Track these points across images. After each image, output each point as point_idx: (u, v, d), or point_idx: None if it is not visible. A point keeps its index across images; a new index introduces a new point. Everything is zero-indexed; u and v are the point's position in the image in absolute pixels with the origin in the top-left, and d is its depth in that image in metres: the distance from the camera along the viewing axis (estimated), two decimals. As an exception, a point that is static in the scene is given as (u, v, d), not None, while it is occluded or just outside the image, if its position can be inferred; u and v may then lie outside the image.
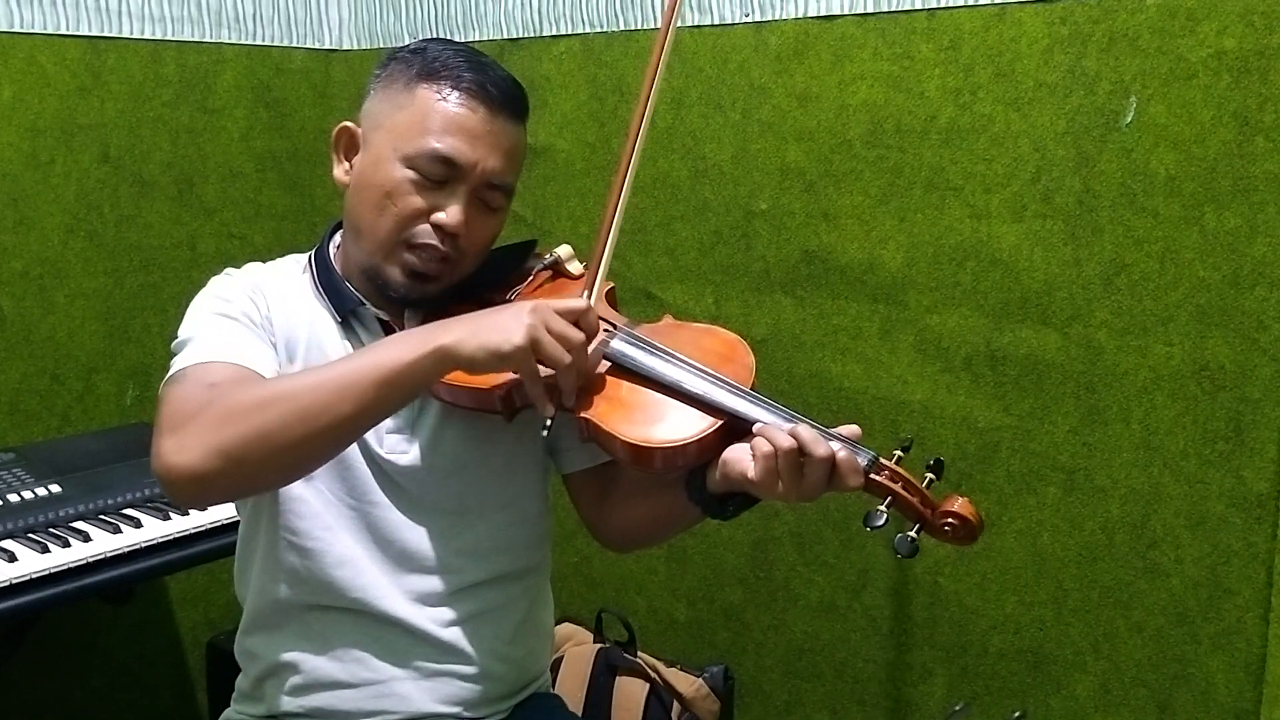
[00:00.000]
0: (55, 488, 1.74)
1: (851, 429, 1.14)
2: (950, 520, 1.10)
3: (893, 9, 1.68)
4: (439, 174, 1.24)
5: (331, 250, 1.35)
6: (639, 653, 1.92)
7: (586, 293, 1.21)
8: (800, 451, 1.09)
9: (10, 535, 1.62)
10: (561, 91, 2.07)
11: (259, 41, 2.31)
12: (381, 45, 2.36)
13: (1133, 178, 1.51)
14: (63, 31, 2.02)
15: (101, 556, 1.59)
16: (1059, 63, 1.55)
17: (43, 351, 2.06)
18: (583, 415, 1.18)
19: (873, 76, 1.71)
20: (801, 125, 1.79)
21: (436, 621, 1.29)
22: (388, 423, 1.28)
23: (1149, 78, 1.48)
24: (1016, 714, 1.66)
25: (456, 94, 1.24)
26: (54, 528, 1.66)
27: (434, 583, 1.29)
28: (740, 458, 1.13)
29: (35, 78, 2.00)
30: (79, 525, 1.67)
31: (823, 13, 1.75)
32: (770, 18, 1.81)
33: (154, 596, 2.26)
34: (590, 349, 1.17)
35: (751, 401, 1.16)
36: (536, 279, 1.37)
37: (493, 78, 1.27)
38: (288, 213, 2.40)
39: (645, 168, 1.28)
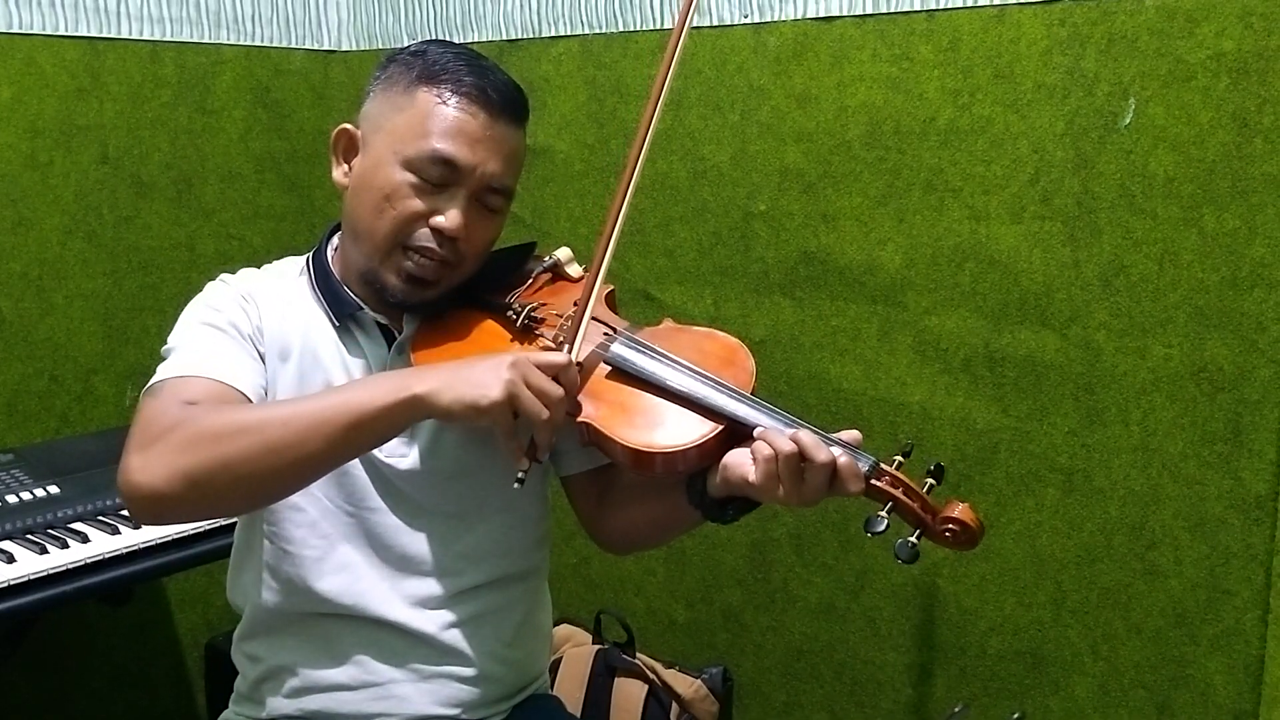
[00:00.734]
0: (54, 489, 1.74)
1: (852, 434, 1.14)
2: (951, 526, 1.10)
3: (891, 10, 1.68)
4: (439, 177, 1.23)
5: (329, 253, 1.34)
6: (638, 654, 1.92)
7: (568, 346, 1.19)
8: (801, 457, 1.09)
9: (9, 536, 1.62)
10: (560, 93, 2.07)
11: (258, 42, 2.30)
12: (380, 46, 2.36)
13: (1131, 179, 1.51)
14: (61, 32, 2.02)
15: (100, 558, 1.59)
16: (1058, 64, 1.55)
17: (41, 352, 2.06)
18: (583, 419, 1.18)
19: (871, 78, 1.71)
20: (800, 126, 1.79)
21: (435, 624, 1.29)
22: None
23: (1148, 79, 1.48)
24: (1015, 715, 1.66)
25: (456, 97, 1.24)
26: (52, 529, 1.66)
27: (433, 586, 1.29)
28: (741, 462, 1.13)
29: (34, 79, 2.00)
30: (77, 526, 1.67)
31: (821, 14, 1.75)
32: (769, 19, 1.81)
33: (152, 598, 2.26)
34: (592, 345, 1.16)
35: (752, 406, 1.16)
36: (536, 281, 1.36)
37: (493, 81, 1.26)
38: (286, 214, 2.39)
39: (644, 169, 1.28)
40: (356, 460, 1.27)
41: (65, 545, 1.60)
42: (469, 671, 1.31)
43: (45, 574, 1.54)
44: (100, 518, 1.70)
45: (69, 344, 2.09)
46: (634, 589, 2.12)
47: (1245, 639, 1.48)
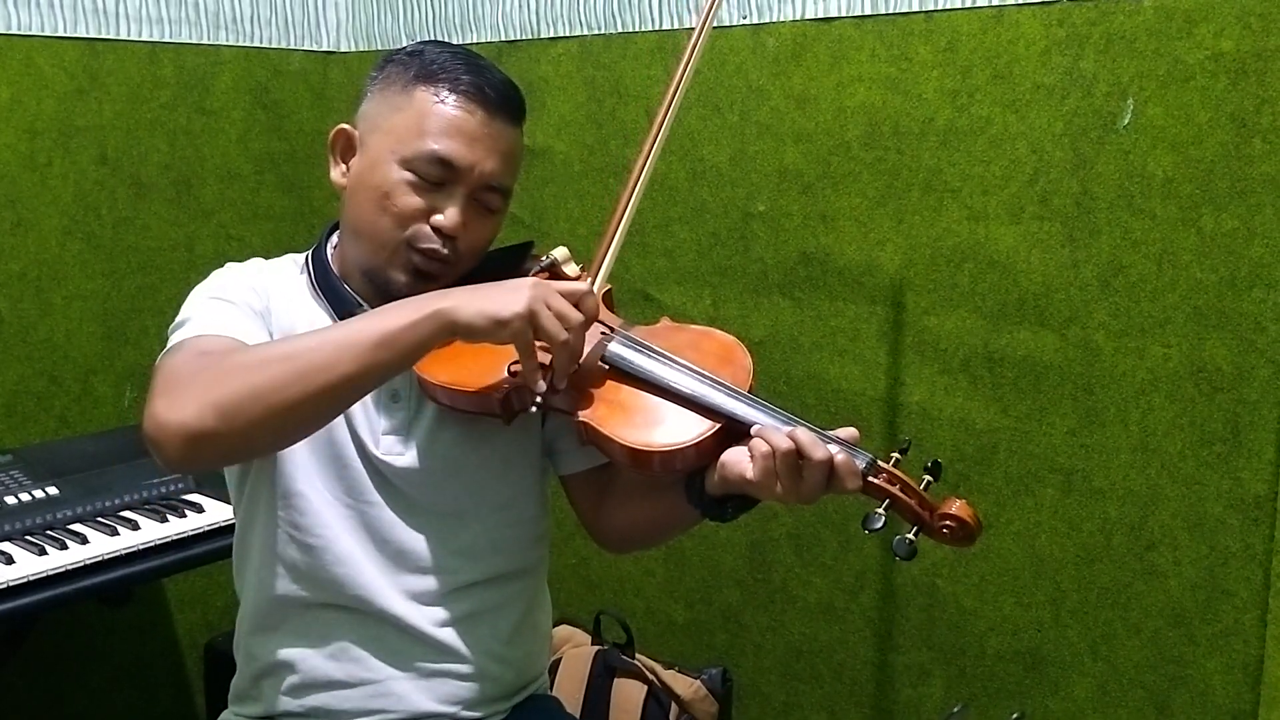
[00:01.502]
0: (53, 490, 1.74)
1: (850, 432, 1.14)
2: (948, 522, 1.10)
3: (890, 11, 1.68)
4: (437, 176, 1.24)
5: (329, 251, 1.35)
6: (637, 655, 1.92)
7: (590, 278, 1.22)
8: (799, 454, 1.09)
9: (8, 537, 1.62)
10: (559, 93, 2.07)
11: (256, 43, 2.30)
12: (379, 47, 2.36)
13: (1130, 179, 1.51)
14: (60, 33, 2.02)
15: (99, 559, 1.59)
16: (1056, 65, 1.55)
17: (40, 353, 2.06)
18: (581, 419, 1.18)
19: (870, 78, 1.71)
20: (799, 127, 1.79)
21: (433, 621, 1.30)
22: (383, 423, 1.29)
23: (1146, 80, 1.48)
24: (1015, 715, 1.66)
25: (454, 96, 1.24)
26: (51, 530, 1.66)
27: (430, 582, 1.30)
28: (739, 459, 1.13)
29: (33, 79, 2.00)
30: (76, 527, 1.67)
31: (820, 15, 1.75)
32: (768, 20, 1.81)
33: (152, 599, 2.26)
34: (587, 350, 1.17)
35: (750, 405, 1.16)
36: None
37: (490, 80, 1.27)
38: (285, 214, 2.39)
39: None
40: (354, 453, 1.27)
41: (64, 546, 1.60)
42: (467, 669, 1.31)
43: (44, 575, 1.54)
44: (99, 519, 1.70)
45: (68, 345, 2.09)
46: (633, 590, 2.12)
47: (1244, 639, 1.48)
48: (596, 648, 1.93)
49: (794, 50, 1.78)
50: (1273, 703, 1.45)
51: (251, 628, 1.34)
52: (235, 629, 1.38)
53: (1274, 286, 1.42)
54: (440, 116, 1.24)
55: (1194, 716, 1.54)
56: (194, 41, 2.20)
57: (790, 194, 1.82)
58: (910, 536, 1.10)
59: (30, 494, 1.72)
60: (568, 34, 2.05)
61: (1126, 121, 1.51)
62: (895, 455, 1.15)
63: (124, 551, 1.62)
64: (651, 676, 1.88)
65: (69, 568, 1.56)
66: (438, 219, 1.24)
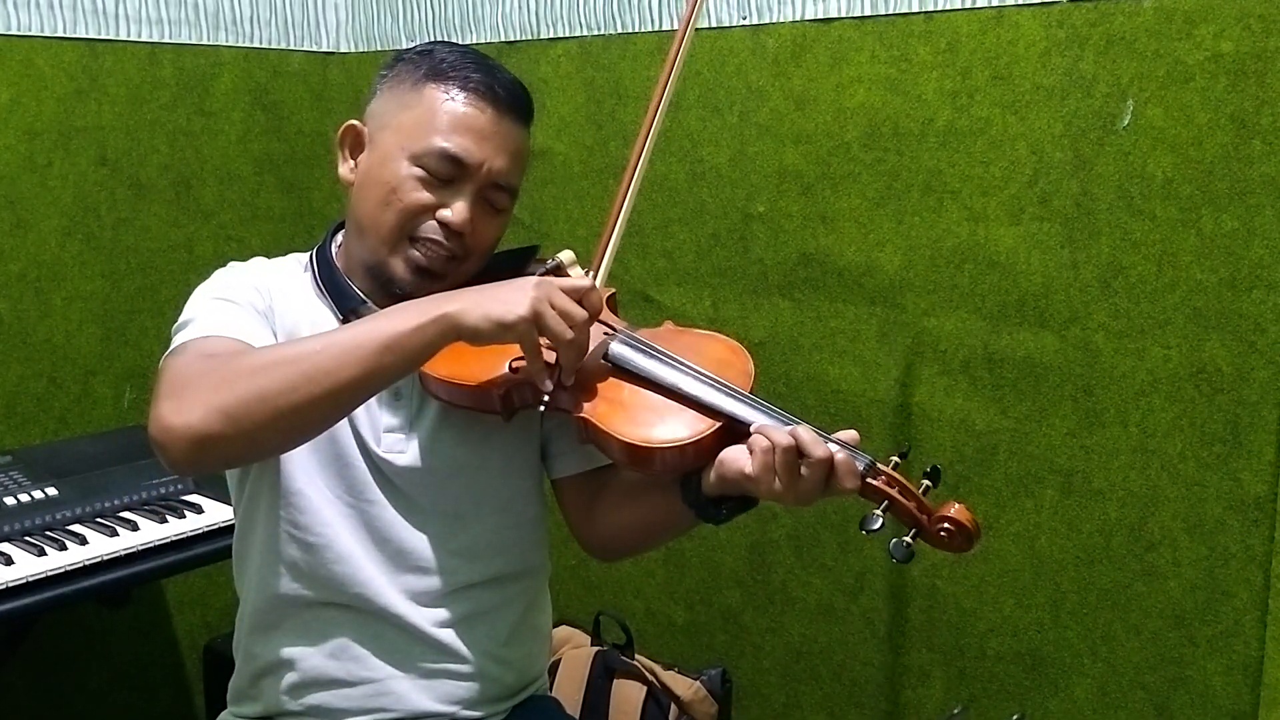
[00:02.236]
0: (52, 490, 1.74)
1: (850, 434, 1.14)
2: (946, 526, 1.10)
3: (890, 12, 1.68)
4: (446, 172, 1.25)
5: (333, 249, 1.35)
6: (636, 655, 1.92)
7: (592, 274, 1.23)
8: (799, 452, 1.09)
9: (7, 538, 1.62)
10: (559, 94, 2.07)
11: (256, 44, 2.30)
12: (379, 48, 2.36)
13: (1130, 180, 1.51)
14: (60, 34, 2.02)
15: (98, 559, 1.59)
16: (1056, 65, 1.55)
17: (40, 354, 2.06)
18: (581, 416, 1.18)
19: (870, 79, 1.71)
20: (799, 128, 1.79)
21: (432, 621, 1.30)
22: (385, 421, 1.29)
23: (1146, 80, 1.48)
24: (1015, 716, 1.66)
25: (464, 94, 1.25)
26: (50, 531, 1.66)
27: (430, 582, 1.30)
28: (737, 457, 1.13)
29: (32, 80, 2.00)
30: (75, 528, 1.67)
31: (820, 15, 1.75)
32: (767, 20, 1.81)
33: (151, 600, 2.26)
34: (592, 345, 1.17)
35: (750, 405, 1.16)
36: None
37: (500, 79, 1.28)
38: (285, 215, 2.39)
39: (644, 168, 1.29)
40: (356, 452, 1.28)
41: (63, 547, 1.60)
42: (466, 669, 1.31)
43: (43, 576, 1.53)
44: (98, 519, 1.70)
45: (67, 345, 2.09)
46: (633, 591, 2.12)
47: (1244, 640, 1.48)
48: (596, 649, 1.93)
49: (794, 51, 1.78)
50: (1273, 703, 1.45)
51: (251, 627, 1.34)
52: (235, 629, 1.38)
53: (1274, 287, 1.42)
54: (450, 113, 1.25)
55: (1194, 717, 1.53)
56: (194, 42, 2.20)
57: (790, 195, 1.82)
58: (908, 539, 1.10)
59: (29, 495, 1.72)
60: (567, 35, 2.05)
61: (1126, 122, 1.51)
62: (895, 459, 1.15)
63: (123, 552, 1.62)
64: (651, 677, 1.88)
65: (68, 568, 1.56)
66: (444, 214, 1.25)
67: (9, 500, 1.70)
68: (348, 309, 1.30)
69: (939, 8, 1.64)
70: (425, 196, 1.25)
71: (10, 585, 1.50)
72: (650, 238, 1.98)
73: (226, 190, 2.29)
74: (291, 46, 2.36)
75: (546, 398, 1.17)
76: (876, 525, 1.09)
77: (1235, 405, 1.46)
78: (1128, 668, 1.59)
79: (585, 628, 2.00)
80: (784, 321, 1.85)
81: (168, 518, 1.72)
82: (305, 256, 1.37)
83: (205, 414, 1.06)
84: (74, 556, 1.58)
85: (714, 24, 1.86)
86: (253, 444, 1.11)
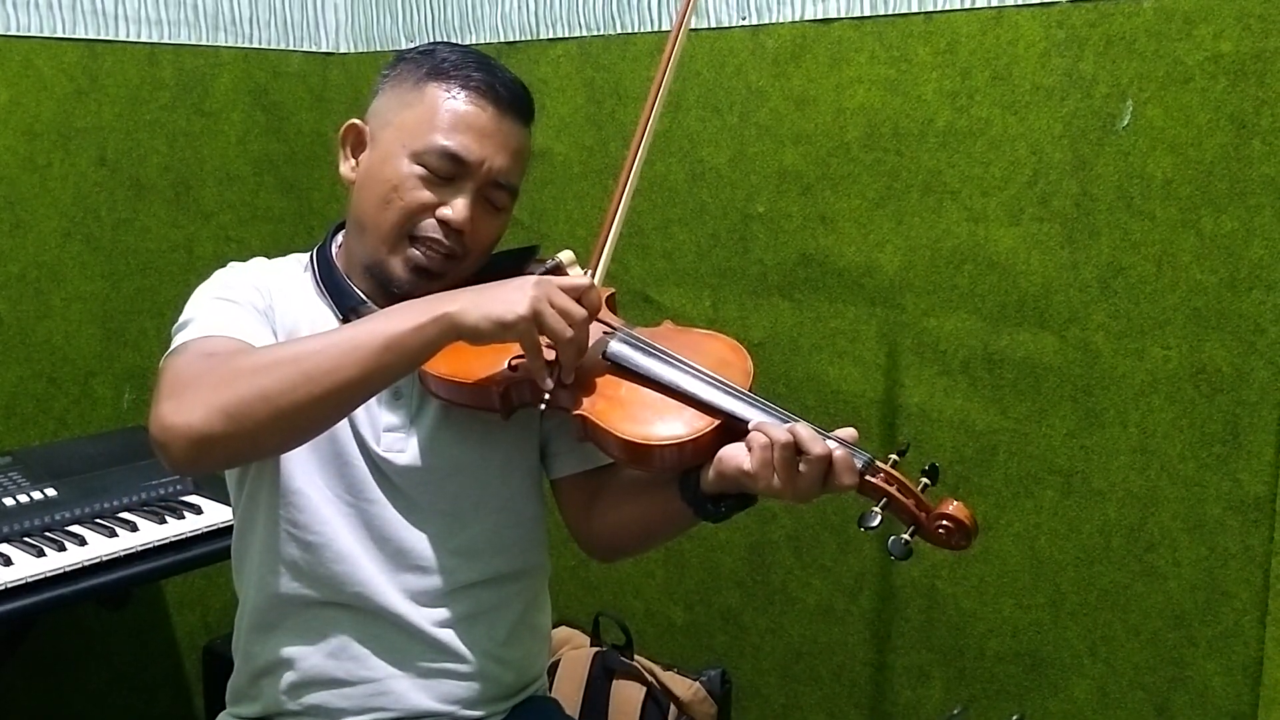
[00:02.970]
0: (51, 491, 1.74)
1: (849, 432, 1.14)
2: (945, 523, 1.10)
3: (889, 12, 1.68)
4: (447, 171, 1.25)
5: (333, 249, 1.36)
6: (636, 656, 1.92)
7: (590, 272, 1.23)
8: (797, 448, 1.09)
9: (6, 539, 1.62)
10: (558, 95, 2.07)
11: (256, 45, 2.31)
12: (378, 49, 2.36)
13: (1129, 181, 1.51)
14: (59, 35, 2.02)
15: (97, 560, 1.59)
16: (1056, 66, 1.55)
17: (39, 355, 2.06)
18: (580, 413, 1.18)
19: (870, 80, 1.71)
20: (799, 128, 1.79)
21: (431, 621, 1.30)
22: (385, 420, 1.29)
23: (1146, 81, 1.48)
24: (1014, 717, 1.66)
25: (466, 93, 1.26)
26: (50, 531, 1.66)
27: (429, 581, 1.30)
28: (736, 454, 1.13)
29: (32, 81, 2.00)
30: (75, 529, 1.67)
31: (819, 16, 1.75)
32: (767, 21, 1.81)
33: (150, 600, 2.25)
34: (591, 343, 1.17)
35: (749, 402, 1.16)
36: None
37: (502, 79, 1.29)
38: (285, 216, 2.39)
39: (643, 171, 1.30)
40: (356, 451, 1.28)
41: (63, 548, 1.60)
42: (465, 669, 1.31)
43: (43, 577, 1.54)
44: (98, 520, 1.70)
45: (67, 346, 2.09)
46: (632, 591, 2.11)
47: (1244, 640, 1.48)
48: (595, 649, 1.93)
49: (793, 51, 1.78)
50: (1272, 704, 1.45)
51: (250, 626, 1.34)
52: (234, 629, 1.38)
53: (1273, 288, 1.42)
54: (451, 112, 1.25)
55: (1193, 718, 1.53)
56: (193, 43, 2.20)
57: (790, 195, 1.82)
58: (906, 537, 1.10)
59: (29, 495, 1.72)
60: (566, 35, 2.05)
61: (1126, 123, 1.51)
62: (894, 456, 1.15)
63: (122, 553, 1.62)
64: (650, 678, 1.87)
65: (67, 569, 1.56)
66: (444, 212, 1.25)
67: (8, 501, 1.70)
68: (348, 308, 1.30)
69: (938, 8, 1.64)
70: (426, 195, 1.25)
71: (9, 586, 1.50)
72: (650, 238, 1.98)
73: (226, 191, 2.29)
74: (291, 47, 2.37)
75: (547, 396, 1.17)
76: (875, 522, 1.09)
77: (1235, 405, 1.46)
78: (1127, 668, 1.59)
79: (585, 628, 2.00)
80: (783, 322, 1.85)
81: (167, 518, 1.72)
82: (305, 256, 1.38)
83: (206, 413, 1.06)
84: (73, 557, 1.58)
85: (713, 24, 1.86)
86: (254, 443, 1.12)
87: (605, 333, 1.25)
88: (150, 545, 1.65)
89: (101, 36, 2.08)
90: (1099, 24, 1.51)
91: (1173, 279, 1.49)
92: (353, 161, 1.32)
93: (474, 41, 2.18)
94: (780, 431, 1.10)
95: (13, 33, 1.97)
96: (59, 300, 2.07)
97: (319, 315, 1.31)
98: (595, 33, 2.02)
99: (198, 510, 1.76)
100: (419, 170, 1.25)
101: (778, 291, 1.85)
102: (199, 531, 1.71)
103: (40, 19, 2.00)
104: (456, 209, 1.25)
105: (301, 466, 1.27)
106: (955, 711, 1.69)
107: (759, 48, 1.82)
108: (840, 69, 1.74)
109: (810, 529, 1.87)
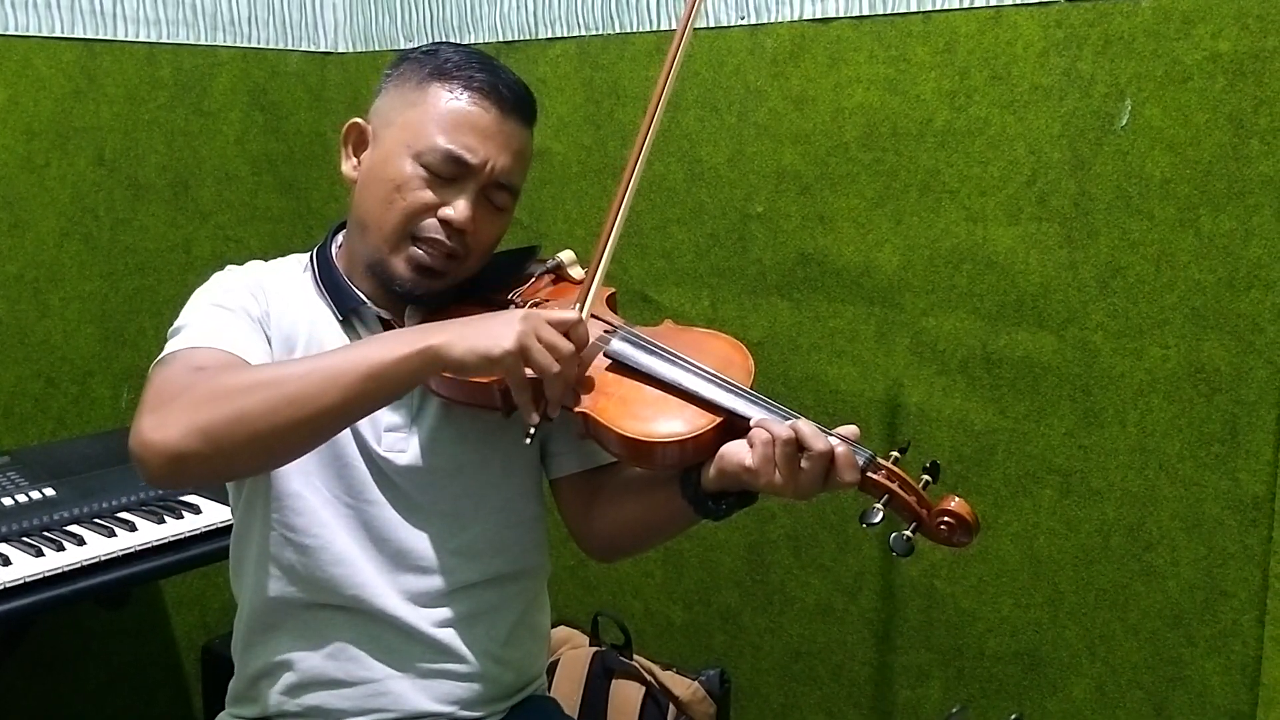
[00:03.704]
0: (49, 491, 1.74)
1: (850, 429, 1.14)
2: (946, 519, 1.11)
3: (888, 12, 1.69)
4: (449, 171, 1.25)
5: (333, 249, 1.36)
6: (635, 656, 1.92)
7: (579, 304, 1.21)
8: (799, 445, 1.09)
9: (4, 539, 1.62)
10: (557, 94, 2.07)
11: (254, 44, 2.30)
12: (377, 48, 2.36)
13: (1128, 180, 1.51)
14: (57, 34, 2.02)
15: (96, 560, 1.59)
16: (1054, 65, 1.55)
17: (37, 355, 2.06)
18: (582, 410, 1.18)
19: (868, 79, 1.71)
20: (797, 128, 1.79)
21: (431, 621, 1.30)
22: (386, 420, 1.29)
23: (1144, 80, 1.49)
24: (1013, 716, 1.66)
25: (468, 93, 1.26)
26: (48, 531, 1.66)
27: (428, 582, 1.30)
28: (738, 451, 1.13)
29: (30, 81, 2.00)
30: (73, 529, 1.67)
31: (818, 15, 1.75)
32: (765, 20, 1.81)
33: (149, 600, 2.25)
34: (584, 352, 1.17)
35: (750, 400, 1.16)
36: (538, 282, 1.37)
37: (504, 80, 1.29)
38: (283, 215, 2.39)
39: (643, 168, 1.29)
40: (356, 452, 1.28)
41: (61, 548, 1.60)
42: (464, 669, 1.31)
43: (41, 576, 1.53)
44: (96, 520, 1.70)
45: (65, 346, 2.09)
46: (632, 591, 2.11)
47: (1242, 640, 1.49)
48: (594, 649, 1.93)
49: (792, 51, 1.78)
50: (1271, 703, 1.45)
51: (249, 629, 1.34)
52: (233, 631, 1.38)
53: (1272, 287, 1.42)
54: (454, 112, 1.25)
55: (1192, 717, 1.54)
56: (191, 42, 2.20)
57: (788, 195, 1.82)
58: (908, 533, 1.11)
59: (27, 495, 1.72)
60: (565, 35, 2.05)
61: (1124, 122, 1.51)
62: (894, 454, 1.15)
63: (121, 553, 1.62)
64: (649, 678, 1.87)
65: (66, 569, 1.56)
66: (446, 212, 1.25)
67: (7, 501, 1.70)
68: (347, 309, 1.30)
69: (937, 7, 1.64)
70: (428, 195, 1.25)
71: (8, 586, 1.50)
72: (649, 238, 1.98)
73: (224, 190, 2.29)
74: (289, 47, 2.36)
75: (533, 430, 1.16)
76: (876, 519, 1.10)
77: (1233, 405, 1.46)
78: (1126, 667, 1.59)
79: (584, 628, 2.00)
80: (782, 321, 1.85)
81: (165, 518, 1.72)
82: (305, 257, 1.37)
83: (184, 433, 1.06)
84: (72, 557, 1.58)
85: (712, 24, 1.86)
86: (230, 464, 1.13)
87: (606, 331, 1.25)
88: (149, 545, 1.65)
89: (100, 36, 2.07)
90: (1097, 23, 1.51)
91: (1171, 278, 1.49)
92: (354, 160, 1.32)
93: (473, 41, 2.18)
94: (782, 428, 1.10)
95: (11, 32, 1.96)
96: (57, 300, 2.07)
97: (318, 316, 1.31)
98: (594, 32, 2.02)
99: (196, 510, 1.76)
100: (420, 170, 1.25)
101: (776, 291, 1.85)
102: (197, 531, 1.71)
103: (38, 18, 1.99)
104: (458, 209, 1.25)
105: (300, 469, 1.27)
106: (954, 711, 1.69)
107: (757, 47, 1.82)
108: (839, 68, 1.74)
109: (809, 528, 1.87)
